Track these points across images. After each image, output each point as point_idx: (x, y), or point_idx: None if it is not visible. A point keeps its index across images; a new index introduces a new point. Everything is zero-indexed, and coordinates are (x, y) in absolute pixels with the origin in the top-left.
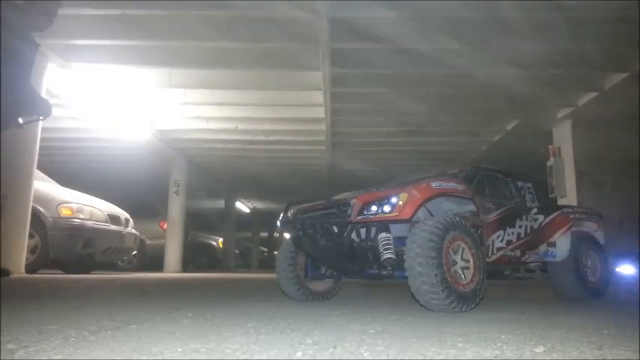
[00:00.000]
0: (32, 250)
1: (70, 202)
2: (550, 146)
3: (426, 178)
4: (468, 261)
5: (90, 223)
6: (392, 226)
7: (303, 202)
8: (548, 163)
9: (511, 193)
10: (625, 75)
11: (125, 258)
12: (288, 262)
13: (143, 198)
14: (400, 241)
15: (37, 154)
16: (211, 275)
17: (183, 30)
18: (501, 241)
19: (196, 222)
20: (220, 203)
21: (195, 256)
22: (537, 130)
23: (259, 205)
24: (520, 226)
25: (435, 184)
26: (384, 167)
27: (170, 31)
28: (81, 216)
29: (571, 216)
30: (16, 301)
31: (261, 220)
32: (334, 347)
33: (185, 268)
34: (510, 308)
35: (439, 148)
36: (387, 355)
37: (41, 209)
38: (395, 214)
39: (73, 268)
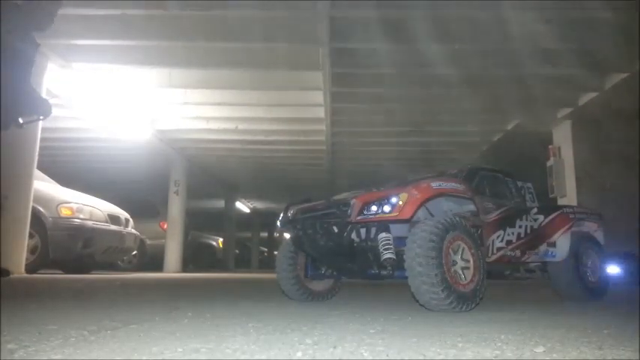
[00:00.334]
0: (32, 250)
1: (70, 202)
2: (550, 146)
3: (426, 178)
4: (467, 261)
5: (90, 223)
6: (392, 226)
7: (303, 202)
8: (548, 163)
9: (511, 193)
10: (625, 75)
11: (125, 258)
12: (288, 262)
13: (143, 198)
14: (400, 241)
15: (37, 154)
16: (211, 275)
17: (183, 30)
18: (501, 241)
19: (196, 222)
20: (220, 203)
21: (195, 256)
22: (537, 130)
23: (259, 205)
24: (520, 226)
25: (435, 184)
26: (384, 167)
27: (170, 31)
28: (81, 216)
29: (571, 216)
30: (16, 301)
31: (261, 220)
32: (334, 347)
33: (185, 268)
34: (510, 308)
35: (439, 148)
36: (387, 355)
37: (41, 209)
38: (395, 214)
39: (73, 268)
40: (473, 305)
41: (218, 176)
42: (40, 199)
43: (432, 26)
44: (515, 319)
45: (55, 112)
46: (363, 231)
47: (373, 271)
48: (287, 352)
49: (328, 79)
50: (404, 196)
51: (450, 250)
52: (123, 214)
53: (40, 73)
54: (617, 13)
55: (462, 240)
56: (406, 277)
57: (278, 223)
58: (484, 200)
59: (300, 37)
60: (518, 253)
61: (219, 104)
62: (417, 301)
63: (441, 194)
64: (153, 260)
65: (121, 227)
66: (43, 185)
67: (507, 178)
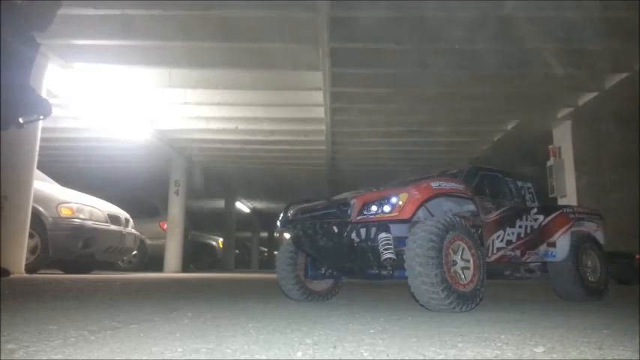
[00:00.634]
0: (32, 250)
1: (70, 202)
2: (550, 146)
3: (426, 178)
4: (467, 261)
5: (90, 223)
6: (392, 226)
7: (303, 202)
8: (548, 163)
9: (511, 193)
10: (625, 75)
11: (125, 258)
12: (288, 262)
13: (143, 198)
14: (400, 241)
15: (37, 154)
16: (211, 275)
17: (183, 30)
18: (501, 241)
19: (196, 222)
20: (220, 203)
21: (195, 256)
22: (537, 130)
23: (259, 205)
24: (520, 226)
25: (435, 184)
26: (384, 167)
27: (170, 31)
28: (81, 216)
29: (571, 216)
30: (16, 301)
31: (261, 220)
32: (334, 347)
33: (185, 268)
34: (510, 308)
35: (439, 148)
36: (387, 355)
37: (41, 209)
38: (395, 214)
39: (73, 268)
40: (473, 305)
41: (218, 176)
42: (40, 199)
43: (432, 26)
44: (515, 319)
45: (55, 112)
46: (363, 231)
47: (373, 271)
48: (287, 352)
49: (328, 79)
50: (404, 196)
51: (450, 250)
52: (123, 214)
53: (40, 73)
54: (617, 13)
55: (462, 240)
56: (406, 277)
57: (278, 223)
58: (484, 200)
59: (300, 37)
60: (518, 253)
61: (219, 104)
62: (417, 301)
63: (441, 194)
64: (153, 260)
65: (121, 227)
66: (43, 185)
67: (507, 178)
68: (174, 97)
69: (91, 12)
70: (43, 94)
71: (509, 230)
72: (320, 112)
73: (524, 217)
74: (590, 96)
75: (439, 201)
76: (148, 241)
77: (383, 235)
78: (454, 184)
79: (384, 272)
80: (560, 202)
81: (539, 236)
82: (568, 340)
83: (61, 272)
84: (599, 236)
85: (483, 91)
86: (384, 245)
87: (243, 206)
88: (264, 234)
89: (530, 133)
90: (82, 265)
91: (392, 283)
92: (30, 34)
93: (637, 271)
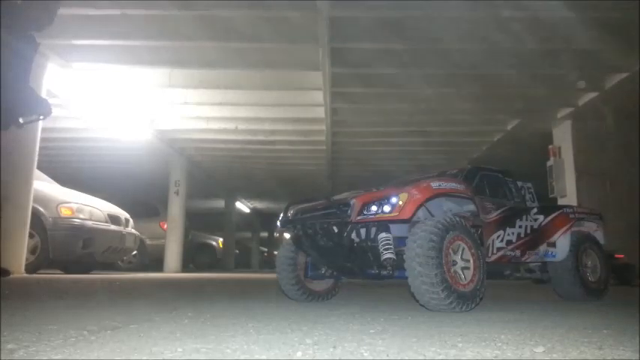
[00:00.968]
0: (32, 250)
1: (70, 202)
2: (550, 146)
3: (426, 178)
4: (467, 261)
5: (90, 223)
6: (392, 226)
7: (303, 202)
8: (548, 163)
9: (511, 193)
10: (625, 75)
11: (125, 258)
12: (288, 262)
13: (143, 198)
14: (400, 241)
15: (37, 154)
16: (211, 275)
17: (183, 30)
18: (501, 241)
19: (196, 222)
20: (220, 203)
21: (195, 256)
22: (537, 130)
23: (259, 205)
24: (520, 226)
25: (435, 184)
26: (384, 167)
27: (170, 31)
28: (81, 216)
29: (571, 216)
30: (16, 301)
31: (261, 220)
32: (334, 347)
33: (185, 268)
34: (510, 308)
35: (439, 148)
36: (387, 355)
37: (41, 209)
38: (395, 214)
39: (73, 268)
40: (473, 305)
41: (218, 176)
42: (40, 199)
43: (432, 26)
44: (515, 319)
45: (55, 112)
46: (363, 231)
47: (373, 271)
48: (287, 352)
49: (328, 79)
50: (404, 196)
51: (450, 250)
52: (123, 214)
53: (40, 73)
54: (617, 13)
55: (462, 240)
56: (406, 277)
57: (278, 223)
58: (484, 200)
59: (300, 37)
60: (518, 253)
61: (219, 104)
62: (417, 301)
63: (441, 194)
64: (153, 260)
65: (121, 227)
66: (43, 185)
67: (507, 178)
68: (175, 97)
69: (91, 12)
70: (43, 94)
71: (509, 230)
72: (320, 112)
73: (524, 217)
74: (590, 96)
75: (439, 201)
76: (148, 241)
77: (383, 235)
78: (454, 184)
79: (384, 272)
80: (560, 202)
81: (539, 236)
82: (568, 340)
83: (61, 272)
84: (599, 236)
85: (483, 91)
86: (384, 245)
87: (243, 206)
88: (264, 234)
89: (530, 133)
90: (82, 265)
91: (392, 283)
92: (30, 33)
93: (617, 271)
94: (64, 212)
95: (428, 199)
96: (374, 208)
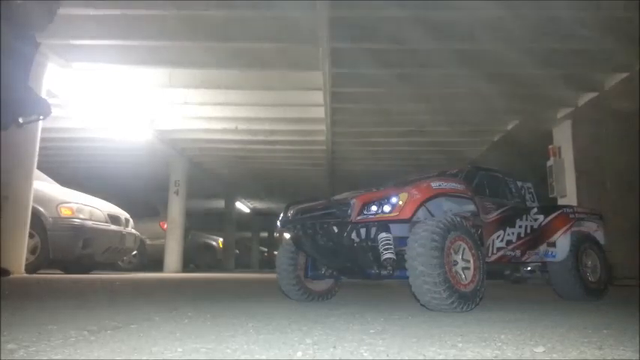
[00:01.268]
0: (32, 250)
1: (70, 202)
2: (550, 146)
3: (426, 178)
4: (468, 261)
5: (90, 223)
6: (392, 226)
7: (303, 202)
8: (548, 163)
9: (511, 193)
10: (625, 75)
11: (125, 258)
12: (288, 262)
13: (143, 198)
14: (400, 240)
15: (37, 154)
16: (211, 275)
17: (184, 30)
18: (501, 241)
19: (196, 222)
20: (220, 203)
21: (195, 256)
22: (537, 130)
23: (259, 205)
24: (520, 226)
25: (435, 184)
26: (384, 167)
27: (170, 31)
28: (81, 216)
29: (571, 216)
30: (16, 301)
31: (261, 220)
32: (334, 347)
33: (185, 268)
34: (510, 308)
35: (439, 148)
36: (387, 355)
37: (41, 209)
38: (395, 214)
39: (73, 268)
40: (473, 305)
41: (218, 176)
42: (40, 199)
43: (432, 26)
44: (515, 319)
45: (54, 112)
46: (363, 231)
47: (373, 271)
48: (287, 352)
49: (328, 79)
50: (404, 196)
51: (452, 250)
52: (123, 214)
53: (40, 73)
54: (617, 13)
55: (462, 240)
56: (406, 277)
57: (278, 223)
58: (484, 200)
59: (300, 37)
60: (518, 253)
61: (219, 104)
62: (418, 300)
63: (441, 194)
64: (153, 260)
65: (121, 227)
66: (43, 185)
67: (507, 178)
68: (175, 97)
69: (91, 12)
70: (43, 94)
71: (509, 230)
72: (320, 112)
73: (524, 217)
74: (590, 96)
75: (439, 201)
76: (148, 241)
77: (383, 235)
78: (454, 184)
79: (384, 272)
80: (560, 202)
81: (539, 236)
82: (568, 339)
83: (61, 272)
84: (599, 236)
85: (483, 91)
86: (384, 245)
87: (243, 206)
88: (264, 234)
89: (530, 133)
90: (82, 265)
91: (392, 282)
92: (29, 33)
93: None
94: (64, 212)
95: (428, 199)
96: (374, 208)
